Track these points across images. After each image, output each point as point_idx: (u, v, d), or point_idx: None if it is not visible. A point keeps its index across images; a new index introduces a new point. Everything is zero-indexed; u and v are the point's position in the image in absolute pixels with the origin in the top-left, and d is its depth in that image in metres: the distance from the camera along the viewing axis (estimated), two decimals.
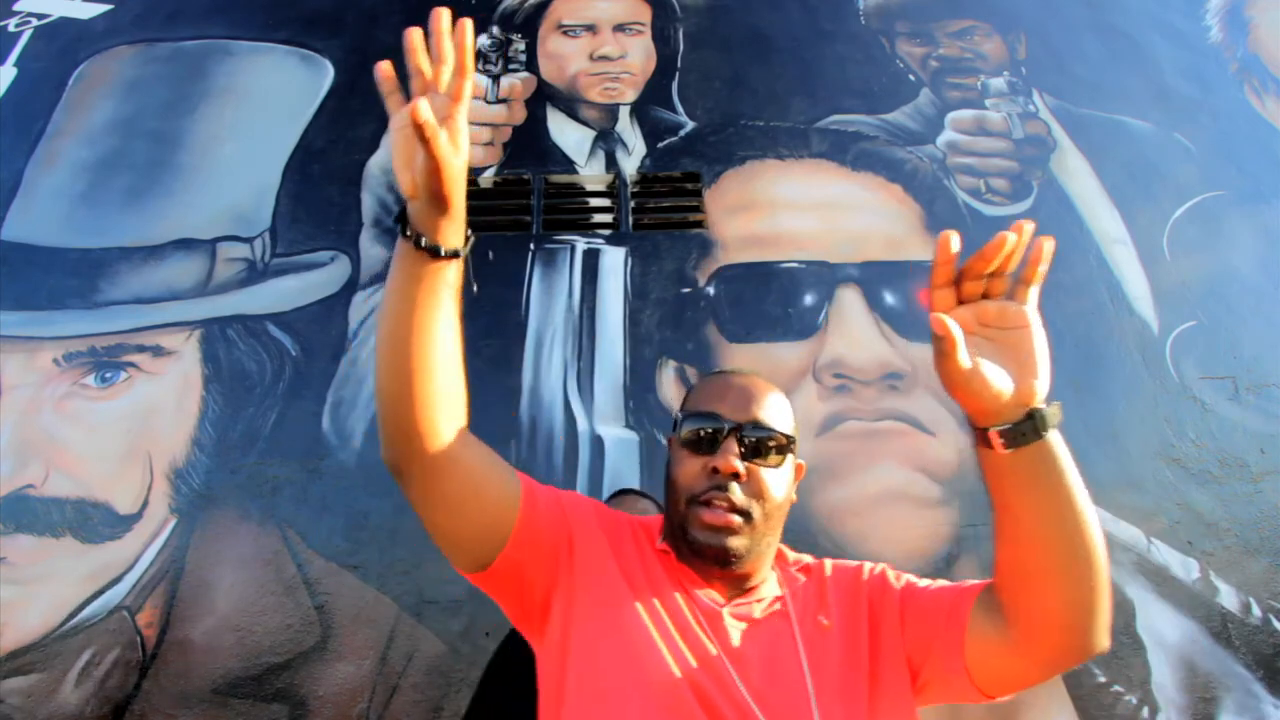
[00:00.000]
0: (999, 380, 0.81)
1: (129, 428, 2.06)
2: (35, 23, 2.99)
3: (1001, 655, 0.82)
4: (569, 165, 2.60)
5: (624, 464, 2.02)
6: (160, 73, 2.80)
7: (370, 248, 2.39)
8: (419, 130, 0.70)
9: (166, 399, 2.12)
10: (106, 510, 1.95)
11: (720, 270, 2.36)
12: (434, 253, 0.79)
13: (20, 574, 1.87)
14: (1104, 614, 0.77)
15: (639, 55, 2.87)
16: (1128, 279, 2.40)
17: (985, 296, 0.83)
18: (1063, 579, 0.76)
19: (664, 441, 2.07)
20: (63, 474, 1.99)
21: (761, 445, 0.90)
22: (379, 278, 2.33)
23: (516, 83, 2.78)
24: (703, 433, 0.91)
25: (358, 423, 2.08)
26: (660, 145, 2.64)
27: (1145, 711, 1.77)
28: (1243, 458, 2.10)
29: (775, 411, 0.94)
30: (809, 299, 2.29)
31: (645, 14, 2.98)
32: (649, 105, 2.74)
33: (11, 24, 2.98)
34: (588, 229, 2.44)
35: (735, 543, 0.88)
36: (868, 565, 0.97)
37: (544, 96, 2.76)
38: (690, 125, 2.69)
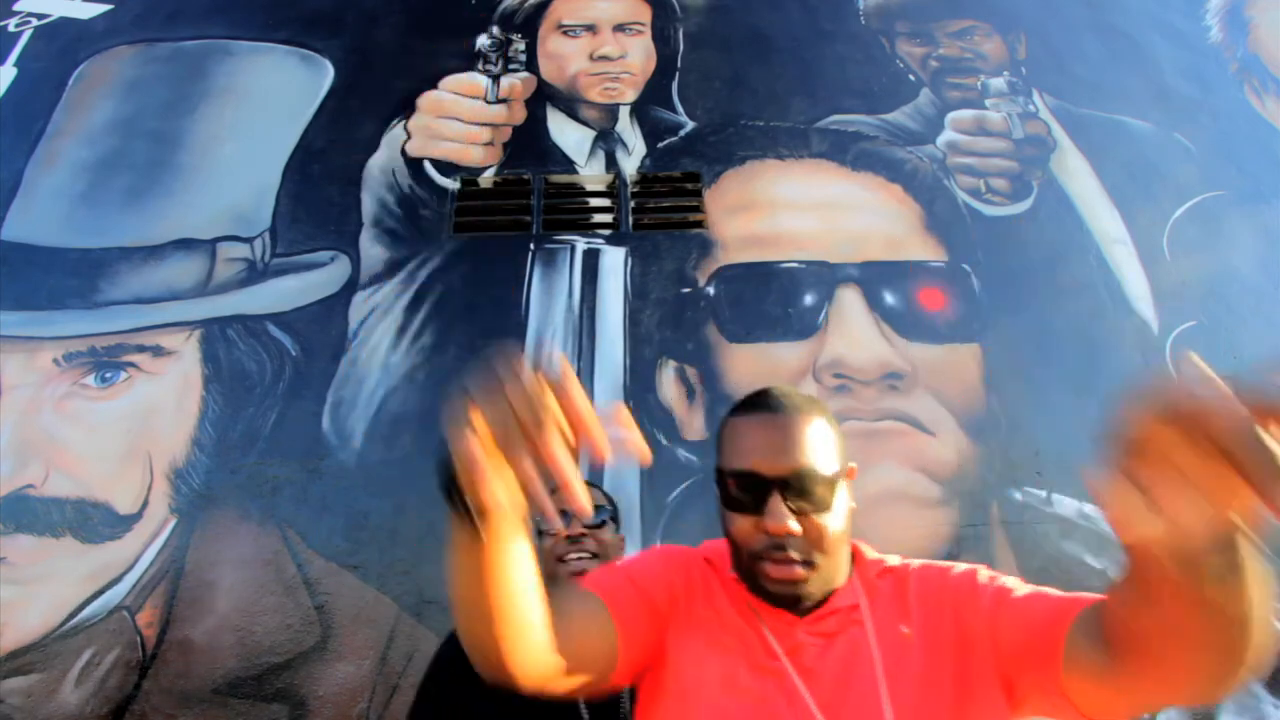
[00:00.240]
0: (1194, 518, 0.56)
1: (129, 428, 2.06)
2: (35, 23, 2.99)
3: (1102, 686, 0.74)
4: (569, 165, 2.60)
5: (624, 464, 2.02)
6: (160, 73, 2.80)
7: (370, 248, 2.39)
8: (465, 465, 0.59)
9: (166, 399, 2.12)
10: (106, 510, 1.95)
11: (720, 270, 2.36)
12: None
13: (20, 574, 1.87)
14: (1243, 679, 0.63)
15: (639, 55, 2.87)
16: (1128, 279, 2.40)
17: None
18: (1207, 653, 0.63)
19: (674, 447, 2.08)
20: (63, 474, 1.99)
21: (810, 496, 0.83)
22: (379, 278, 2.33)
23: (516, 83, 2.78)
24: (746, 495, 0.85)
25: (358, 423, 2.08)
26: (660, 145, 2.64)
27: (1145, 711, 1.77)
28: None
29: (818, 451, 0.85)
30: (809, 299, 2.29)
31: (645, 14, 2.98)
32: (649, 105, 2.74)
33: (11, 24, 2.98)
34: (588, 229, 2.44)
35: (805, 590, 0.86)
36: (957, 567, 0.90)
37: (544, 96, 2.76)
38: (690, 125, 2.69)
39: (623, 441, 0.63)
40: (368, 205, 2.48)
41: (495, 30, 2.92)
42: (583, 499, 0.60)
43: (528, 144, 2.64)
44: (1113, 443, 0.57)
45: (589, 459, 2.06)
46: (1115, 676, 0.72)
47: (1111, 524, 0.59)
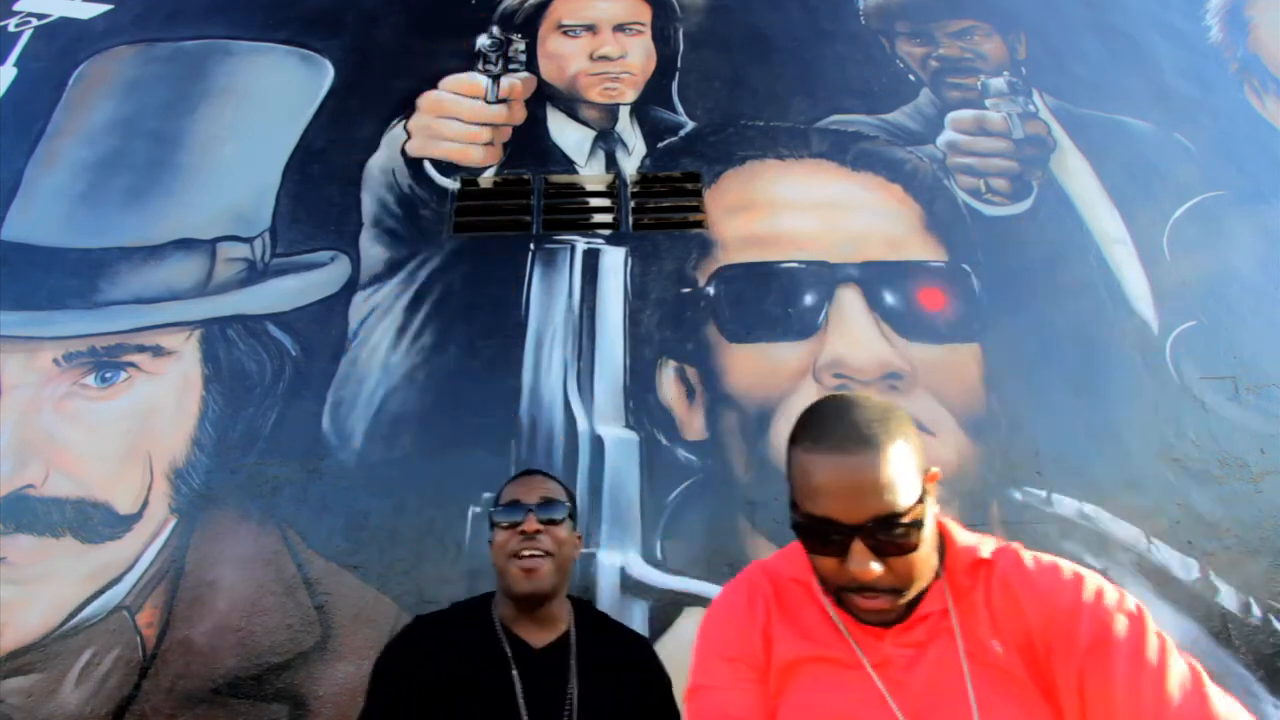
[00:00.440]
0: None
1: (129, 428, 2.06)
2: (35, 23, 2.99)
3: None
4: (569, 165, 2.60)
5: (624, 464, 2.02)
6: (160, 73, 2.80)
7: (370, 248, 2.39)
8: None
9: (166, 399, 2.12)
10: (106, 510, 1.95)
11: (720, 270, 2.36)
12: None
13: (20, 574, 1.87)
14: None
15: (639, 55, 2.87)
16: (1128, 279, 2.40)
17: None
18: None
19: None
20: (63, 474, 1.99)
21: (892, 537, 0.79)
22: (379, 278, 2.33)
23: (516, 83, 2.78)
24: (826, 541, 0.82)
25: (358, 423, 2.08)
26: (660, 145, 2.64)
27: None
28: (1243, 458, 2.10)
29: (898, 488, 0.79)
30: (809, 299, 2.29)
31: (645, 14, 2.98)
32: (649, 105, 2.74)
33: (11, 24, 2.98)
34: (588, 229, 2.44)
35: (896, 613, 0.85)
36: (1086, 595, 0.80)
37: (544, 96, 2.76)
38: (690, 125, 2.69)
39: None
40: (368, 205, 2.48)
41: (495, 30, 2.93)
42: None
43: (528, 144, 2.64)
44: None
45: (588, 456, 2.04)
46: None
47: None
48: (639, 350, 2.21)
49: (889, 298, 2.30)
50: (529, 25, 2.95)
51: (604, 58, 2.86)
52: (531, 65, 2.84)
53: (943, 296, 2.32)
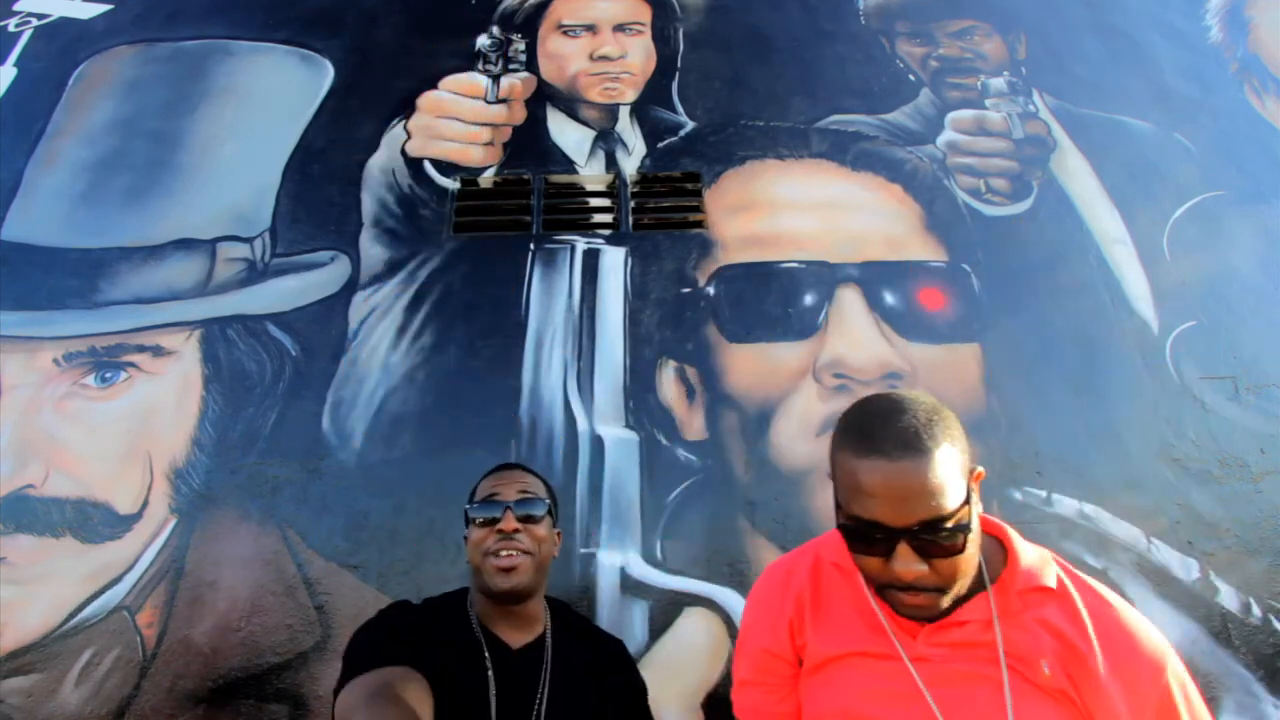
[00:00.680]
0: None
1: (129, 428, 2.06)
2: (35, 23, 2.99)
3: None
4: (569, 165, 2.60)
5: (624, 464, 2.02)
6: (160, 73, 2.80)
7: (370, 248, 2.39)
8: None
9: (166, 399, 2.12)
10: (106, 510, 1.95)
11: (720, 270, 2.36)
12: None
13: (20, 574, 1.87)
14: None
15: (639, 55, 2.87)
16: (1128, 279, 2.40)
17: None
18: None
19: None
20: (63, 474, 1.99)
21: (937, 540, 0.81)
22: (379, 278, 2.33)
23: (516, 83, 2.78)
24: (872, 542, 0.83)
25: (358, 423, 2.08)
26: (660, 145, 2.64)
27: None
28: (1243, 458, 2.10)
29: (945, 492, 0.80)
30: (809, 299, 2.29)
31: (645, 14, 2.98)
32: (649, 105, 2.74)
33: (11, 24, 2.98)
34: (588, 229, 2.44)
35: (940, 610, 0.86)
36: (1168, 673, 0.84)
37: (544, 96, 2.76)
38: (690, 125, 2.69)
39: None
40: (368, 205, 2.48)
41: (495, 30, 2.92)
42: None
43: (528, 144, 2.64)
44: None
45: (588, 456, 2.04)
46: None
47: None
48: (639, 350, 2.21)
49: (889, 298, 2.30)
50: (529, 25, 2.95)
51: (604, 58, 2.86)
52: (531, 65, 2.84)
53: (943, 296, 2.32)
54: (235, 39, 2.89)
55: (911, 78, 2.85)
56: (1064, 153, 2.67)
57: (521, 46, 2.88)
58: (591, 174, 2.58)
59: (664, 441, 2.06)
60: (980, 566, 0.89)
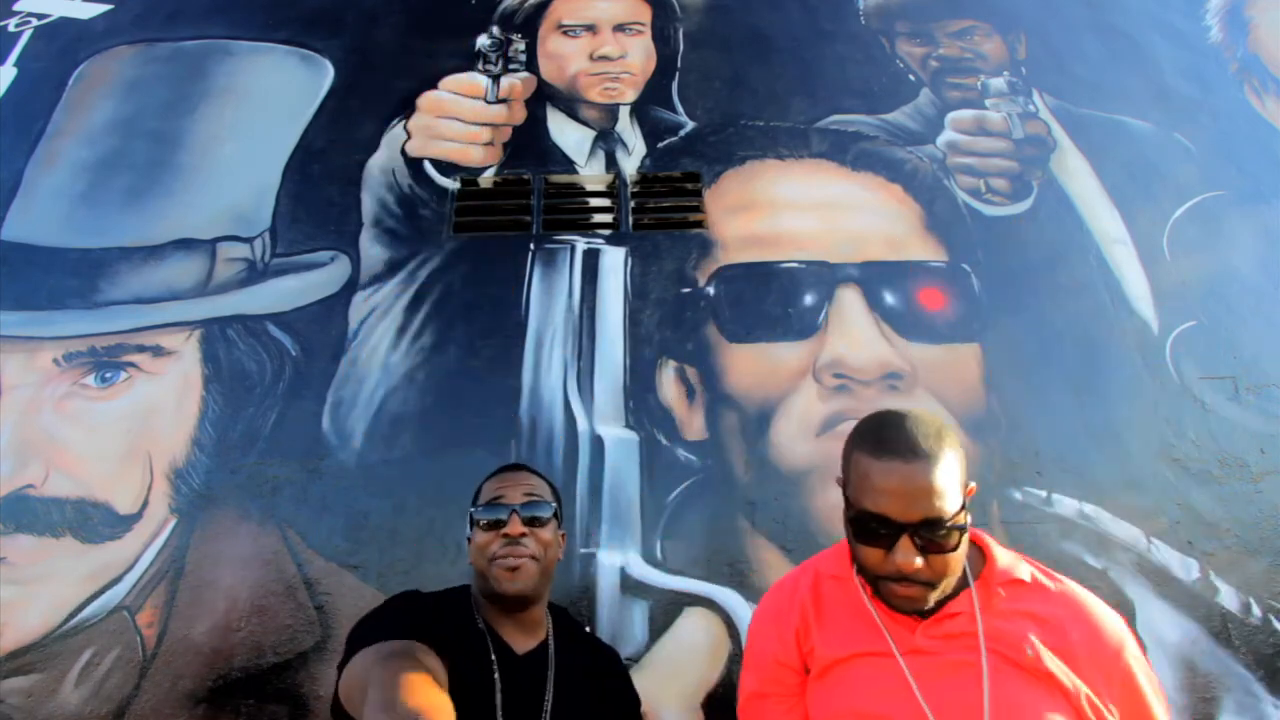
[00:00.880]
0: None
1: (129, 428, 2.06)
2: (35, 23, 2.99)
3: None
4: (569, 165, 2.60)
5: (624, 464, 2.02)
6: (160, 73, 2.80)
7: (370, 248, 2.39)
8: None
9: (166, 399, 2.12)
10: (106, 510, 1.95)
11: (720, 270, 2.36)
12: None
13: (20, 574, 1.87)
14: None
15: (639, 55, 2.87)
16: (1128, 279, 2.40)
17: None
18: None
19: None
20: (63, 474, 1.99)
21: (936, 537, 0.93)
22: (379, 278, 2.33)
23: (516, 83, 2.78)
24: (878, 534, 0.94)
25: (358, 423, 2.08)
26: (660, 145, 2.64)
27: None
28: (1243, 458, 2.10)
29: (946, 496, 0.93)
30: (809, 299, 2.29)
31: (645, 14, 2.98)
32: (649, 105, 2.74)
33: (11, 24, 2.98)
34: (588, 229, 2.44)
35: (928, 603, 0.97)
36: (1126, 652, 0.98)
37: (544, 96, 2.76)
38: (690, 125, 2.69)
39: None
40: (368, 205, 2.48)
41: (495, 30, 2.92)
42: None
43: (528, 144, 2.64)
44: None
45: (588, 456, 2.04)
46: None
47: None
48: (639, 350, 2.21)
49: (889, 298, 2.30)
50: (529, 25, 2.95)
51: (604, 58, 2.86)
52: (531, 65, 2.84)
53: (943, 296, 2.32)
54: (235, 39, 2.89)
55: (911, 78, 2.85)
56: (1064, 153, 2.67)
57: (521, 46, 2.89)
58: (591, 174, 2.58)
59: (664, 441, 2.06)
60: (964, 567, 1.00)
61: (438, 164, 2.58)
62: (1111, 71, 2.90)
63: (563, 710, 1.15)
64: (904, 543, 0.92)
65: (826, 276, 2.33)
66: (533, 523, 1.20)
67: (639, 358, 2.20)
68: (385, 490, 1.98)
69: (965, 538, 0.95)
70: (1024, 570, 1.03)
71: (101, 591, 1.85)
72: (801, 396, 2.11)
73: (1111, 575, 1.90)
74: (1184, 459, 2.09)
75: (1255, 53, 3.03)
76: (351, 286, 2.31)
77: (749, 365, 2.18)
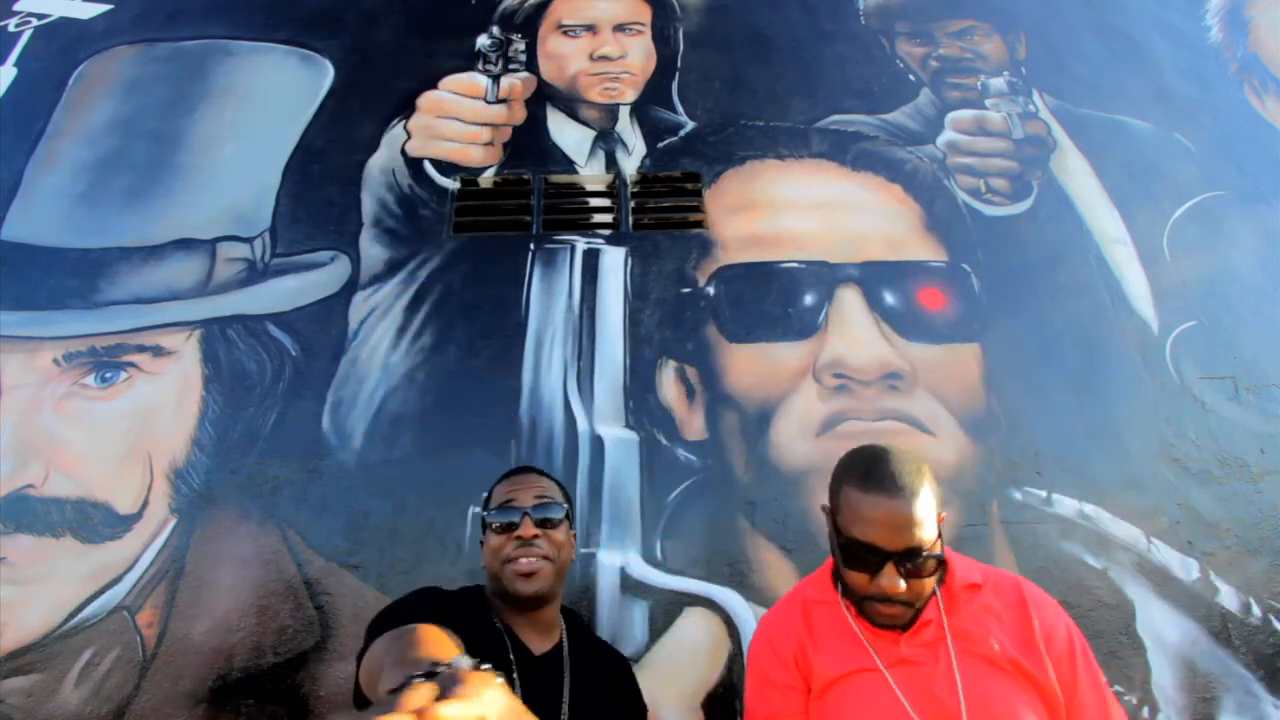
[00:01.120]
0: None
1: (129, 428, 2.06)
2: (35, 23, 2.99)
3: None
4: (569, 165, 2.60)
5: (624, 464, 2.02)
6: (160, 73, 2.80)
7: (370, 248, 2.39)
8: None
9: (166, 399, 2.12)
10: (106, 510, 1.95)
11: (720, 270, 2.36)
12: None
13: (20, 574, 1.87)
14: None
15: (639, 55, 2.87)
16: (1128, 279, 2.40)
17: None
18: None
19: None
20: (63, 474, 1.99)
21: (917, 565, 1.04)
22: (379, 278, 2.33)
23: (516, 83, 2.78)
24: (865, 560, 1.05)
25: (358, 423, 2.08)
26: (660, 145, 2.64)
27: (1145, 711, 1.77)
28: (1243, 458, 2.10)
29: (926, 527, 1.04)
30: (809, 299, 2.29)
31: (645, 14, 2.98)
32: (649, 105, 2.74)
33: (11, 24, 2.98)
34: (588, 229, 2.44)
35: (908, 622, 1.08)
36: (1058, 631, 1.09)
37: (544, 96, 2.76)
38: (690, 125, 2.69)
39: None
40: (368, 205, 2.48)
41: (495, 30, 2.92)
42: None
43: (528, 144, 2.64)
44: None
45: (588, 456, 2.05)
46: None
47: None
48: (639, 350, 2.21)
49: (889, 298, 2.30)
50: (529, 25, 2.95)
51: (604, 58, 2.86)
52: (531, 65, 2.84)
53: (943, 296, 2.32)
54: (235, 39, 2.89)
55: (911, 78, 2.85)
56: (1064, 153, 2.67)
57: (521, 46, 2.89)
58: (591, 174, 2.58)
59: (664, 441, 2.06)
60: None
61: (438, 164, 2.58)
62: (1111, 71, 2.90)
63: (580, 710, 1.16)
64: (889, 569, 1.03)
65: (826, 276, 2.33)
66: (545, 524, 1.21)
67: (639, 358, 2.20)
68: (385, 490, 1.98)
69: (943, 565, 1.06)
70: (976, 573, 1.14)
71: (101, 591, 1.85)
72: (801, 396, 2.11)
73: (1111, 575, 1.90)
74: (1184, 459, 2.09)
75: (1255, 53, 3.03)
76: (351, 286, 2.31)
77: (749, 365, 2.18)
